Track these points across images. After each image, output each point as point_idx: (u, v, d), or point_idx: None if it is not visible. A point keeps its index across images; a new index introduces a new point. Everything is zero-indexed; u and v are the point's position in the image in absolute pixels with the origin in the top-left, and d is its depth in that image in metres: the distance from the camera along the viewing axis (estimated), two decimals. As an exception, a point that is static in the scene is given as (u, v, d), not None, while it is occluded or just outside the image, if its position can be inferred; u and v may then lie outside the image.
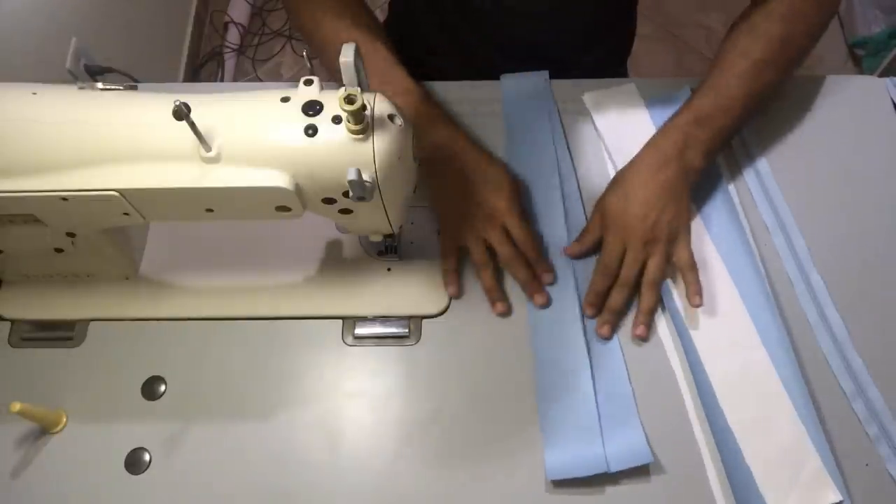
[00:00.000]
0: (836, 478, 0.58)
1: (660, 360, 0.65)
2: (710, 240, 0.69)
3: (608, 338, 0.65)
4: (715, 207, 0.70)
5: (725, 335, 0.64)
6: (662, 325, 0.66)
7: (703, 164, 0.67)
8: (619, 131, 0.75)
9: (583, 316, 0.66)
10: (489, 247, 0.67)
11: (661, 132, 0.68)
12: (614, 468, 0.59)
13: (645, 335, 0.65)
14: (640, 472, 0.60)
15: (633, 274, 0.65)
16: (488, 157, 0.69)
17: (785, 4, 0.67)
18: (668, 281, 0.67)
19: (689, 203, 0.67)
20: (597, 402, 0.62)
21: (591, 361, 0.64)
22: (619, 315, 0.66)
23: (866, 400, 0.62)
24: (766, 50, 0.67)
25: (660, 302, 0.67)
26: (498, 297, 0.66)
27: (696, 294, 0.64)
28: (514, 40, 0.85)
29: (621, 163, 0.71)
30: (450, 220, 0.68)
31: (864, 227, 0.70)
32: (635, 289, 0.66)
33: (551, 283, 0.67)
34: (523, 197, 0.70)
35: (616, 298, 0.66)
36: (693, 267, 0.65)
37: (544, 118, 0.76)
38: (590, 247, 0.69)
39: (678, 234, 0.66)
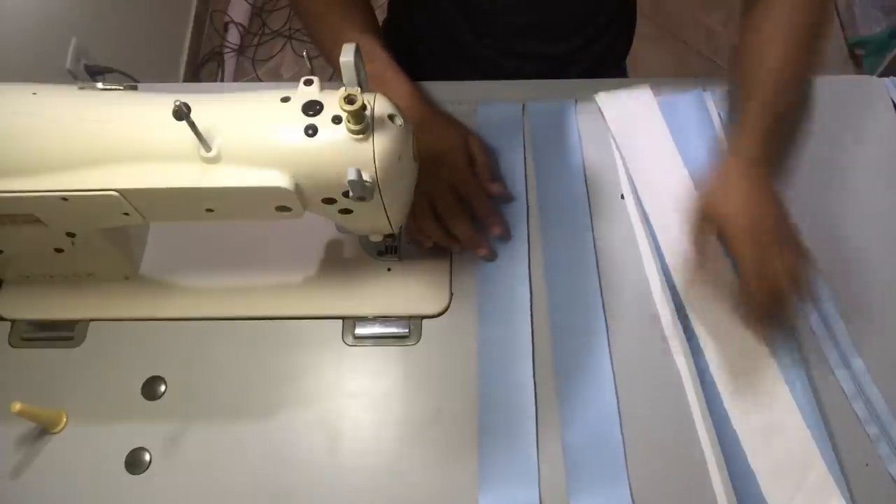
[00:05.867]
0: (842, 485, 0.58)
1: (666, 364, 0.64)
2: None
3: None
4: None
5: (734, 341, 0.64)
6: (670, 328, 0.66)
7: (778, 172, 0.66)
8: (632, 132, 0.75)
9: (534, 355, 0.64)
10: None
11: (739, 149, 0.65)
12: None
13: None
14: (643, 475, 0.60)
15: (788, 280, 0.60)
16: (431, 109, 0.70)
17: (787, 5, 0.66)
18: (678, 285, 0.67)
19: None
20: (580, 446, 0.60)
21: (567, 407, 0.62)
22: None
23: (866, 400, 0.62)
24: (795, 44, 0.66)
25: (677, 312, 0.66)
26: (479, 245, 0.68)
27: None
28: (511, 39, 0.85)
29: (632, 163, 0.71)
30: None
31: (864, 227, 0.70)
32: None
33: (499, 236, 0.68)
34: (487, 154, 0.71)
35: (787, 315, 0.63)
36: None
37: (570, 145, 0.75)
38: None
39: (798, 236, 0.63)
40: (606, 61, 0.93)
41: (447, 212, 0.66)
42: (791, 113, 0.68)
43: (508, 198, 0.71)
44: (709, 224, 0.63)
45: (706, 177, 0.66)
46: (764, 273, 0.60)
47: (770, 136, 0.64)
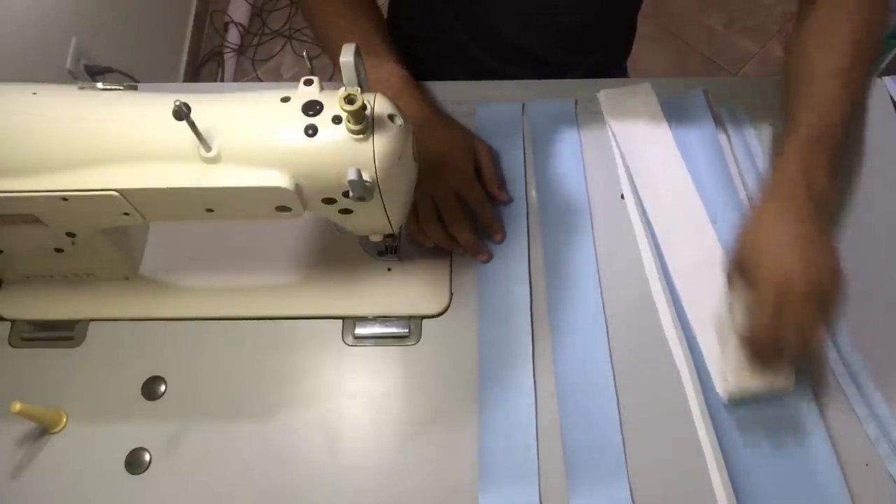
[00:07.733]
0: (838, 478, 0.58)
1: (666, 365, 0.64)
2: (716, 239, 0.68)
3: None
4: (723, 206, 0.70)
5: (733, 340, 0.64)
6: (670, 329, 0.66)
7: (831, 187, 0.59)
8: (633, 132, 0.75)
9: (534, 355, 0.64)
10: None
11: (777, 172, 0.60)
12: None
13: None
14: (643, 475, 0.60)
15: (806, 338, 0.55)
16: (437, 114, 0.70)
17: (841, 7, 0.65)
18: (677, 284, 0.67)
19: (833, 238, 0.59)
20: (579, 447, 0.60)
21: (566, 406, 0.62)
22: None
23: (866, 400, 0.62)
24: (847, 49, 0.63)
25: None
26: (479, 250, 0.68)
27: None
28: (504, 42, 0.85)
29: (632, 162, 0.70)
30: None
31: (864, 226, 0.70)
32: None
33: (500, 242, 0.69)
34: (491, 159, 0.71)
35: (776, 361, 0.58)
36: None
37: (570, 145, 0.75)
38: None
39: (839, 281, 0.56)
40: (606, 65, 0.93)
41: (449, 215, 0.67)
42: (846, 125, 0.61)
43: (509, 200, 0.71)
44: (739, 278, 0.59)
45: (742, 221, 0.61)
46: (774, 334, 0.55)
47: (817, 158, 0.59)
